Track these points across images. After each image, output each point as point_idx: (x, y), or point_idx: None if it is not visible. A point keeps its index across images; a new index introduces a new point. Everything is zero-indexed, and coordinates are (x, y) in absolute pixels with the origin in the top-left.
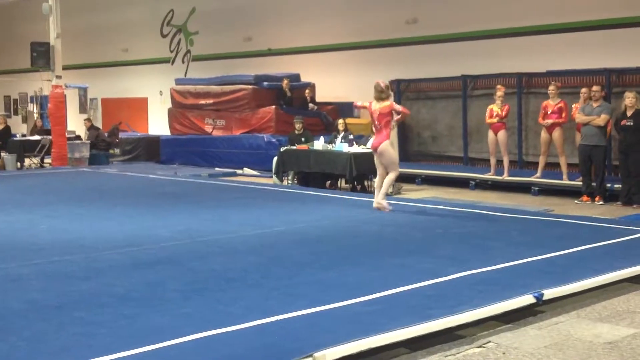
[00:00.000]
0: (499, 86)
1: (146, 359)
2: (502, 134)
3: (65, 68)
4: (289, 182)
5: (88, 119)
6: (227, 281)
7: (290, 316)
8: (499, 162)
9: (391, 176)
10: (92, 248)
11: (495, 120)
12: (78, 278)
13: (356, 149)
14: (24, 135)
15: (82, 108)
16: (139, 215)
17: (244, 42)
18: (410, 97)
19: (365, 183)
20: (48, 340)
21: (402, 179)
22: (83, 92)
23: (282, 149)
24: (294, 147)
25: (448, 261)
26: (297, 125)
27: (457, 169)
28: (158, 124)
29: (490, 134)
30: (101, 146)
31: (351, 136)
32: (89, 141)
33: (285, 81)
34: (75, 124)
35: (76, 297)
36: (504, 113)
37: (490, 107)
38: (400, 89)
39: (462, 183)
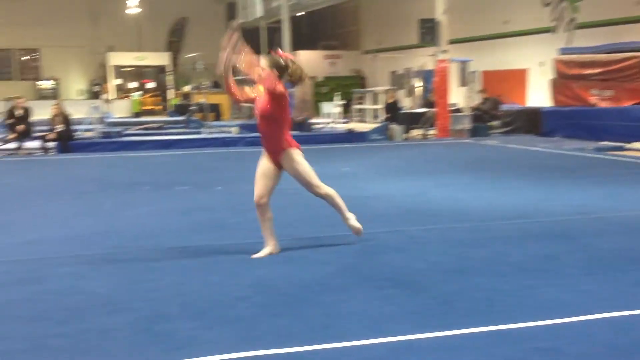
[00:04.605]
0: None
1: (549, 332)
2: None
3: (449, 42)
4: None
5: (482, 91)
6: (629, 261)
7: None
8: None
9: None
10: (481, 217)
11: None
12: (473, 245)
13: None
14: (409, 109)
15: (462, 81)
16: (525, 187)
17: (635, 6)
18: None
19: None
20: (453, 301)
21: None
22: (463, 65)
23: None
24: None
25: None
26: None
27: None
28: (537, 96)
29: None
30: (485, 118)
31: None
32: (471, 113)
33: None
34: (457, 96)
35: (474, 263)
36: None
37: None
38: None
39: None
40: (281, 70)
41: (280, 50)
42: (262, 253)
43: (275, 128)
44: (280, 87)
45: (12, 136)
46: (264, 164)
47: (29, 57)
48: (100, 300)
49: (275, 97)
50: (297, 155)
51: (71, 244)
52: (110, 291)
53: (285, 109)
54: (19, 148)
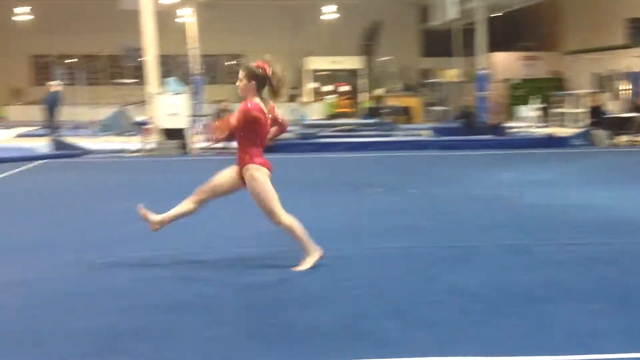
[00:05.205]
0: None
1: None
2: None
3: None
4: None
5: None
6: None
7: None
8: None
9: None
10: None
11: None
12: None
13: None
14: (615, 113)
15: None
16: None
17: None
18: None
19: None
20: None
21: None
22: None
23: None
24: None
25: None
26: None
27: None
28: None
29: None
30: None
31: None
32: None
33: None
34: None
35: None
36: None
37: None
38: None
39: None
40: (259, 80)
41: (259, 61)
42: None
43: (242, 140)
44: (249, 115)
45: None
46: (233, 168)
47: (233, 62)
48: (306, 295)
49: (244, 119)
50: (257, 172)
51: (270, 240)
52: (314, 287)
53: (252, 130)
54: (225, 147)
